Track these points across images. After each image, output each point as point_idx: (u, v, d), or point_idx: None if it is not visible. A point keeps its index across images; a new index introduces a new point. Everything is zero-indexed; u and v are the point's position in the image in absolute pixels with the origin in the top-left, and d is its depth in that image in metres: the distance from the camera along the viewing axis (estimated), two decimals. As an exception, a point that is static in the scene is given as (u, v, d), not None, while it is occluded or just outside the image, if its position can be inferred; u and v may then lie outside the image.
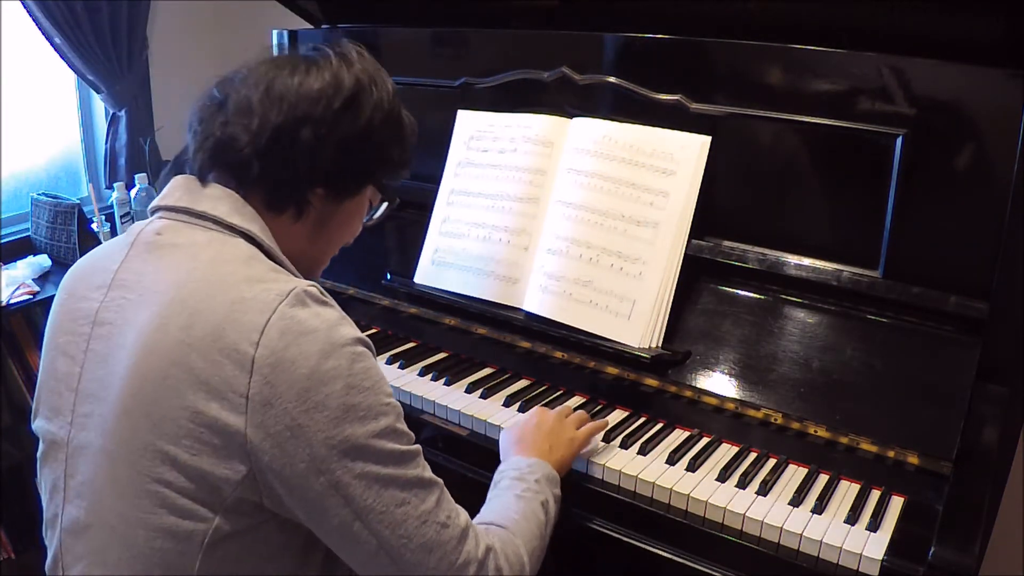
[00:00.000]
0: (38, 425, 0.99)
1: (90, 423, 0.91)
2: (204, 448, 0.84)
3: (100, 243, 2.34)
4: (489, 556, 0.95)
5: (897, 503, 1.18)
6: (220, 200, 0.96)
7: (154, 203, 0.99)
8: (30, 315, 2.29)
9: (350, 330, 0.89)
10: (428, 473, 0.93)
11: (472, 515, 1.00)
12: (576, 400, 1.45)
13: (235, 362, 0.84)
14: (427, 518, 0.90)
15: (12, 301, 2.15)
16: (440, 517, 0.92)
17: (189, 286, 0.89)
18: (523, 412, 1.38)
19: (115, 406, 0.88)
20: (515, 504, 1.07)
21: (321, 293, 0.91)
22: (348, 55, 1.01)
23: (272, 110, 0.95)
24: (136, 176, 2.60)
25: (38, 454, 0.99)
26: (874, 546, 1.09)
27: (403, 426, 0.92)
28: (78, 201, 2.37)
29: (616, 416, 1.40)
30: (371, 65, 1.02)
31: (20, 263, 2.34)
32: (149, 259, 0.94)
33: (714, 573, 1.16)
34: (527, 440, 1.21)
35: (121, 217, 2.56)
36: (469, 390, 1.46)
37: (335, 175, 0.99)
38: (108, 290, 0.94)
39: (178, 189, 0.98)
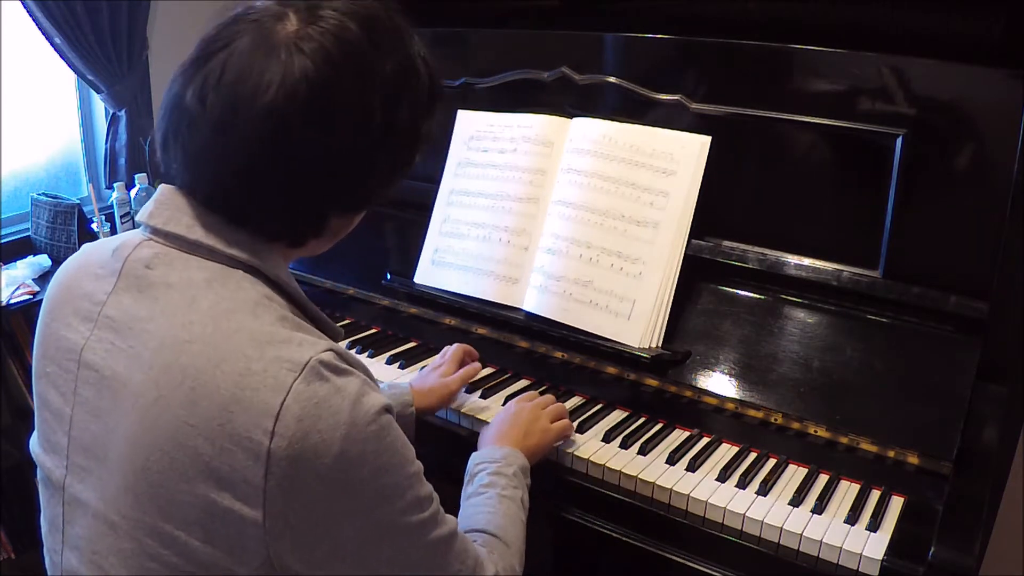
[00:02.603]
0: (35, 451, 0.93)
1: (88, 480, 0.84)
2: (217, 537, 0.77)
3: (100, 243, 2.34)
4: None
5: (897, 503, 1.18)
6: (215, 225, 0.84)
7: (142, 216, 0.87)
8: (30, 315, 2.29)
9: (373, 400, 0.80)
10: (445, 528, 0.89)
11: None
12: (576, 400, 1.45)
13: (247, 451, 0.75)
14: (446, 570, 0.88)
15: (12, 301, 2.15)
16: (455, 566, 0.89)
17: (188, 349, 0.78)
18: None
19: (117, 478, 0.81)
20: (499, 507, 1.06)
21: (339, 358, 0.80)
22: (375, 22, 0.82)
23: (302, 138, 0.79)
24: (136, 176, 2.59)
25: (37, 477, 0.94)
26: (874, 546, 1.09)
27: (424, 488, 0.86)
28: (78, 201, 2.37)
29: (616, 416, 1.40)
30: (399, 24, 0.85)
31: (20, 263, 2.34)
32: (141, 299, 0.83)
33: (714, 573, 1.16)
34: (502, 428, 1.23)
35: (121, 217, 2.55)
36: (469, 390, 1.46)
37: (363, 197, 0.89)
38: (95, 327, 0.84)
39: (167, 207, 0.85)
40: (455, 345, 1.45)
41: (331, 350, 0.80)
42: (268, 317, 0.81)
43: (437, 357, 1.45)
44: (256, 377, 0.76)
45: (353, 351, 1.62)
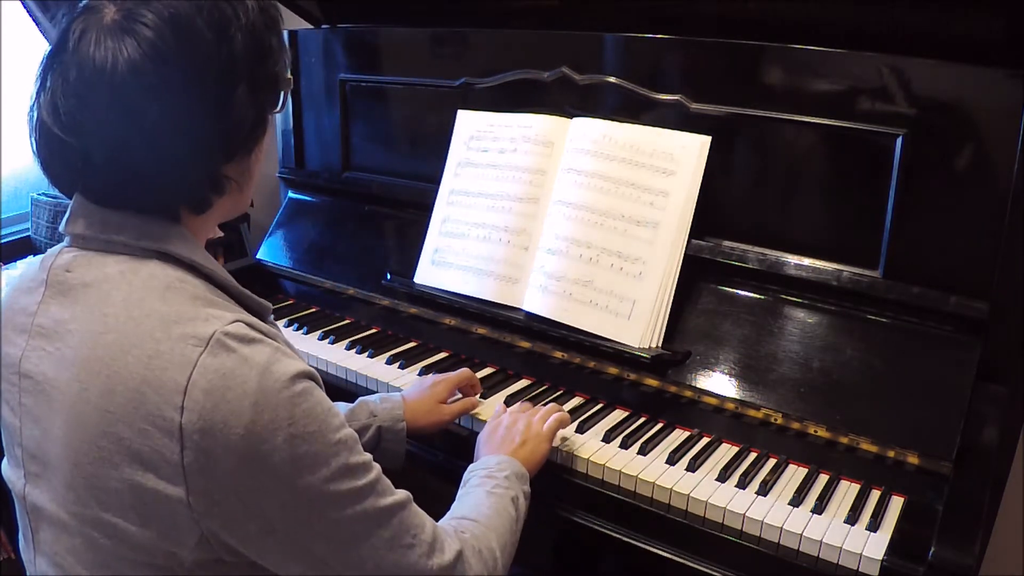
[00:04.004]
0: (4, 471, 0.96)
1: (41, 485, 0.87)
2: (151, 520, 0.79)
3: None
4: (459, 560, 0.92)
5: (897, 503, 1.18)
6: (124, 220, 0.86)
7: (62, 227, 0.90)
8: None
9: (285, 366, 0.80)
10: (387, 498, 0.87)
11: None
12: (576, 400, 1.45)
13: (162, 430, 0.77)
14: (392, 544, 0.86)
15: (12, 301, 2.15)
16: (405, 539, 0.87)
17: (103, 340, 0.81)
18: (523, 412, 1.38)
19: (60, 477, 0.84)
20: (486, 500, 1.06)
21: (248, 327, 0.82)
22: None
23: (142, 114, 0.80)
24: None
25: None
26: (874, 546, 1.09)
27: (357, 457, 0.85)
28: (78, 201, 2.37)
29: (616, 416, 1.40)
30: None
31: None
32: (65, 303, 0.86)
33: (714, 573, 1.16)
34: (496, 438, 1.22)
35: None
36: (469, 390, 1.46)
37: (243, 137, 0.88)
38: (29, 337, 0.88)
39: (80, 213, 0.88)
40: (463, 370, 1.41)
41: (239, 321, 0.81)
42: (178, 299, 0.83)
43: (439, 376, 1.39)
44: (164, 357, 0.78)
45: (353, 351, 1.62)
